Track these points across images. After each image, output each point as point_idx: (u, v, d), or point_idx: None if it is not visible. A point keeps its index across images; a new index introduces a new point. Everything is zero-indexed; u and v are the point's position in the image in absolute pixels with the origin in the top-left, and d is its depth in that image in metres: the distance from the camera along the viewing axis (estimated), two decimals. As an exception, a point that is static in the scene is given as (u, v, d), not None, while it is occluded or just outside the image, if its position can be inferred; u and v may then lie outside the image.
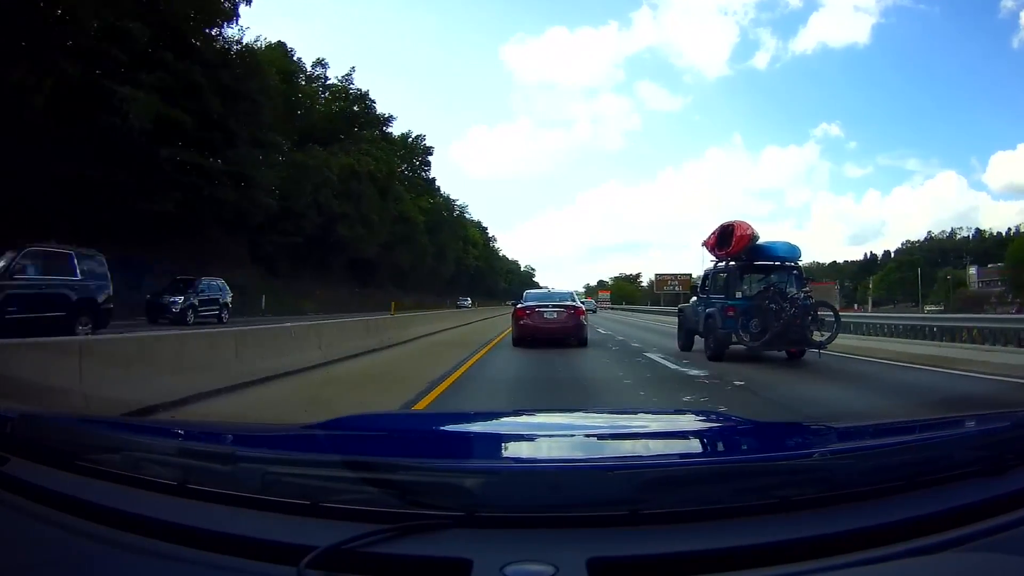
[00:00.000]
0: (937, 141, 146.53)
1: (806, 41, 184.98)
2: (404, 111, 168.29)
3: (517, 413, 2.35)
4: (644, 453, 1.35)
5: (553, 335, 12.21)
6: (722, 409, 4.37)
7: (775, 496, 0.94)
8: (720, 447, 1.42)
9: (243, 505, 0.95)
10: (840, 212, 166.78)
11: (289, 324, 10.22)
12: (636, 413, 2.76)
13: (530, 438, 1.58)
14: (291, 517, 0.92)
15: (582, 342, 12.54)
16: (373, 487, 0.91)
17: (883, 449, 1.13)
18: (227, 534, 0.90)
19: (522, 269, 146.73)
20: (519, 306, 13.28)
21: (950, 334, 15.26)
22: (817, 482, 0.97)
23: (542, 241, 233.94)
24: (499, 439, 1.58)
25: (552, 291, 15.76)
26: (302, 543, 0.85)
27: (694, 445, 1.46)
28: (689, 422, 1.92)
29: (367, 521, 0.88)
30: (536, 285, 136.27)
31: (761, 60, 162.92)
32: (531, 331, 12.38)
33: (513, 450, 1.42)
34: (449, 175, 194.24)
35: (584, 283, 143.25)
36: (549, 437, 1.59)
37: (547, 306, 12.76)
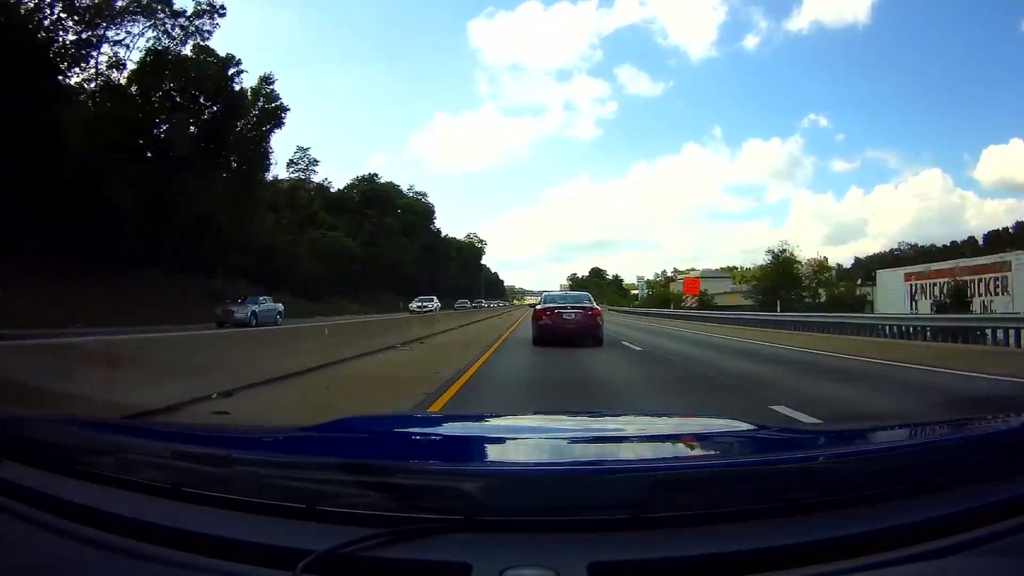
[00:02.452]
0: (930, 131, 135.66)
1: (800, 20, 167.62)
2: (363, 95, 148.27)
3: (517, 415, 2.34)
4: (646, 456, 1.33)
5: (572, 335, 12.81)
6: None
7: (780, 500, 0.93)
8: (724, 450, 1.41)
9: (238, 508, 0.93)
10: (819, 210, 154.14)
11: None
12: (638, 416, 2.74)
13: (530, 441, 1.57)
14: (287, 521, 0.91)
15: (598, 341, 13.11)
16: (371, 490, 0.90)
17: (889, 452, 1.12)
18: (222, 538, 0.89)
19: (465, 239, 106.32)
20: (538, 307, 14.15)
21: None
22: (822, 485, 0.96)
23: (507, 240, 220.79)
24: (499, 442, 1.56)
25: (568, 293, 17.16)
26: (299, 547, 0.84)
27: (697, 448, 1.44)
28: (692, 425, 1.91)
29: (365, 525, 0.87)
30: (483, 270, 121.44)
31: (751, 41, 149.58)
32: (551, 331, 13.02)
33: (513, 453, 1.41)
34: (408, 168, 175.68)
35: (560, 282, 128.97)
36: (549, 440, 1.58)
37: (566, 307, 13.58)
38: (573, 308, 13.51)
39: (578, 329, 13.00)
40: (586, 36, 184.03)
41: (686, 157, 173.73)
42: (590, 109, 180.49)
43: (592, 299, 14.91)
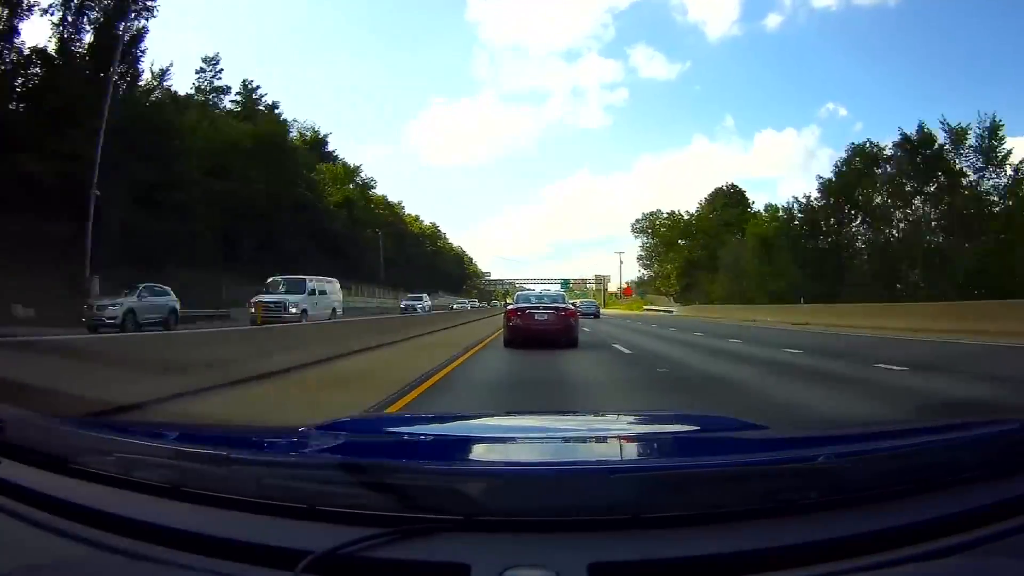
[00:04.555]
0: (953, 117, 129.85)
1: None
2: (352, 79, 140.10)
3: (516, 415, 2.34)
4: (646, 456, 1.34)
5: (544, 336, 12.53)
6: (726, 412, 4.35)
7: (780, 500, 0.93)
8: (723, 450, 1.41)
9: (238, 508, 0.93)
10: None
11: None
12: (637, 415, 2.74)
13: (530, 440, 1.57)
14: (287, 521, 0.91)
15: (572, 343, 12.87)
16: (370, 490, 0.90)
17: (889, 453, 1.12)
18: (222, 538, 0.89)
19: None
20: (510, 307, 13.75)
21: None
22: (822, 486, 0.95)
23: (505, 237, 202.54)
24: (498, 441, 1.56)
25: (543, 293, 16.42)
26: (298, 547, 0.84)
27: (697, 448, 1.45)
28: (692, 425, 1.92)
29: (364, 525, 0.87)
30: (463, 261, 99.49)
31: (774, 20, 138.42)
32: (522, 332, 12.73)
33: (512, 452, 1.41)
34: (402, 161, 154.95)
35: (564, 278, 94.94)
36: (549, 440, 1.58)
37: (538, 308, 13.25)
38: (546, 308, 13.22)
39: (550, 331, 12.66)
40: (599, 11, 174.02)
41: (696, 149, 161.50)
42: (599, 96, 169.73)
43: (566, 299, 14.61)
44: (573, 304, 15.58)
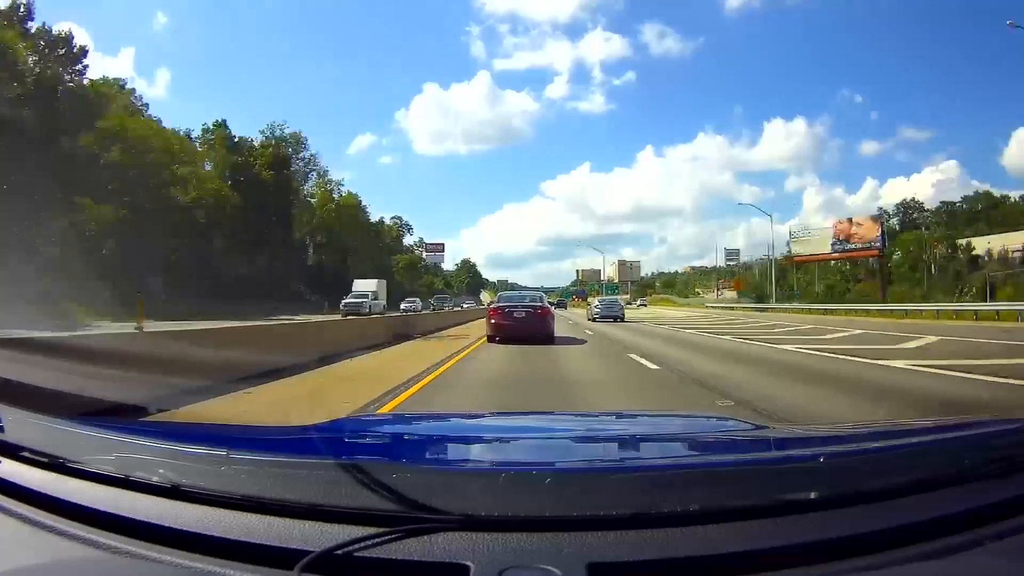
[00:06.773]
0: (973, 107, 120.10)
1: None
2: (332, 60, 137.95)
3: (515, 415, 2.34)
4: (646, 456, 1.34)
5: (522, 332, 13.62)
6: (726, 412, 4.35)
7: (780, 500, 0.93)
8: (724, 450, 1.41)
9: (238, 508, 0.93)
10: (831, 202, 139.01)
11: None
12: (636, 415, 2.75)
13: (529, 440, 1.58)
14: (286, 521, 0.91)
15: (549, 338, 13.93)
16: (370, 490, 0.90)
17: (889, 453, 1.13)
18: (221, 538, 0.89)
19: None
20: (492, 306, 15.15)
21: None
22: (824, 485, 0.95)
23: (500, 237, 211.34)
24: (498, 441, 1.56)
25: (523, 292, 18.32)
26: (298, 547, 0.84)
27: (697, 448, 1.45)
28: (691, 425, 1.92)
29: (364, 525, 0.87)
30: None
31: None
32: (503, 329, 13.96)
33: (512, 452, 1.41)
34: (392, 152, 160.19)
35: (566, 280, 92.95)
36: (548, 439, 1.58)
37: (517, 307, 14.64)
38: (524, 307, 14.44)
39: (527, 328, 13.72)
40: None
41: (700, 142, 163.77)
42: (602, 76, 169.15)
43: (544, 299, 15.83)
44: (590, 302, 16.25)
